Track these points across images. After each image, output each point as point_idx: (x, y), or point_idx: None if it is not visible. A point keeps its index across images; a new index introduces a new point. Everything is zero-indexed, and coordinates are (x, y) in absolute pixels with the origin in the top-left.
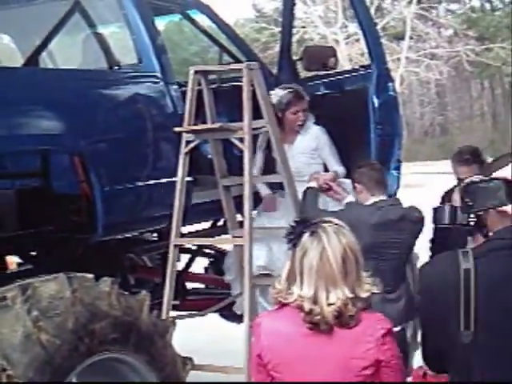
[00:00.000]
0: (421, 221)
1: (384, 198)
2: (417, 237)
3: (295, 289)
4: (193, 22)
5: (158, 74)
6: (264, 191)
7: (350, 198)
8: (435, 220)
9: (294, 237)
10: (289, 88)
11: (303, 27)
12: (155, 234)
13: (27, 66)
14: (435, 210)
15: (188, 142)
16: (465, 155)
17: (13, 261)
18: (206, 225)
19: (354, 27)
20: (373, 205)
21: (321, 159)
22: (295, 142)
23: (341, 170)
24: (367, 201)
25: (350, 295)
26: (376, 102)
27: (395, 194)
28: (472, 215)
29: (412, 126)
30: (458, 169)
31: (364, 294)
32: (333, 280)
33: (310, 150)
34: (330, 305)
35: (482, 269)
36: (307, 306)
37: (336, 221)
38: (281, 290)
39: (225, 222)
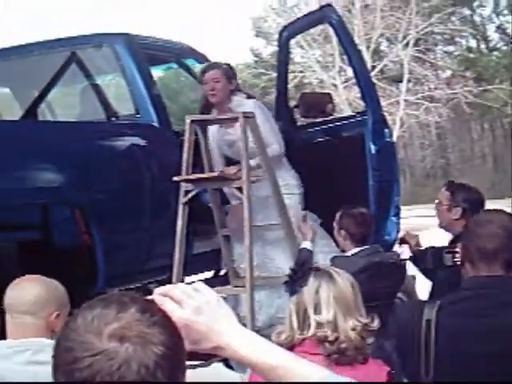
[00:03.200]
0: (404, 266)
1: (367, 246)
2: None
3: (312, 321)
4: (189, 70)
5: (156, 124)
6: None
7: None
8: (418, 264)
9: (299, 279)
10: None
11: (301, 72)
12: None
13: (26, 118)
14: (417, 253)
15: (187, 192)
16: None
17: None
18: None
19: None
20: (356, 254)
21: None
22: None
23: (276, 148)
24: (350, 250)
25: (365, 321)
26: (373, 148)
27: (395, 241)
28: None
29: (413, 169)
30: None
31: (373, 325)
32: (348, 309)
33: None
34: (353, 330)
35: (443, 320)
36: (330, 334)
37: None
38: (291, 333)
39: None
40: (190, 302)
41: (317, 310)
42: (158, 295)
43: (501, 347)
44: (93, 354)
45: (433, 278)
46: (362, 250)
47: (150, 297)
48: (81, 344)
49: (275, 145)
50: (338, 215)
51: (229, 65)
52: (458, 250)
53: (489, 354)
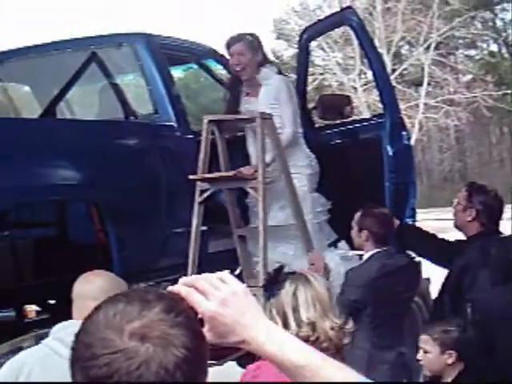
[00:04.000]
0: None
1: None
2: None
3: (291, 322)
4: (209, 71)
5: (174, 124)
6: None
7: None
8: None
9: (276, 282)
10: None
11: (321, 74)
12: None
13: (44, 117)
14: None
15: (202, 191)
16: None
17: (32, 309)
18: None
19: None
20: (371, 257)
21: None
22: (260, 94)
23: (288, 133)
24: (368, 251)
25: (341, 322)
26: (390, 150)
27: None
28: None
29: (431, 172)
30: None
31: (348, 326)
32: (325, 310)
33: (273, 100)
34: (331, 329)
35: None
36: (311, 334)
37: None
38: None
39: (241, 271)
40: (216, 293)
41: (296, 312)
42: (184, 286)
43: None
44: (112, 351)
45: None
46: (377, 253)
47: (175, 287)
48: (100, 340)
49: (288, 129)
50: (358, 215)
51: (253, 35)
52: None
53: None
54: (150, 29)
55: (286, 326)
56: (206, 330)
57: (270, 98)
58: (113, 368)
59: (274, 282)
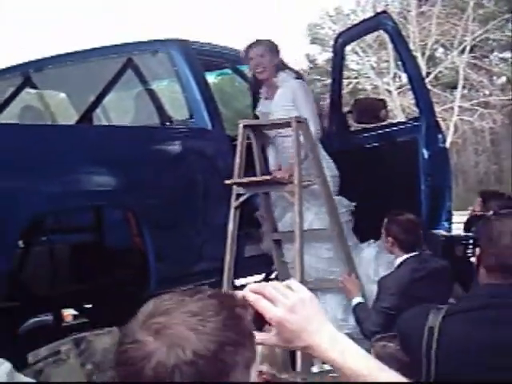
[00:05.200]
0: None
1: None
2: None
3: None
4: (243, 76)
5: (209, 129)
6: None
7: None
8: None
9: None
10: None
11: (356, 78)
12: None
13: (81, 123)
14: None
15: (238, 196)
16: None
17: (69, 313)
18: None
19: (406, 77)
20: (404, 262)
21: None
22: (275, 96)
23: (313, 131)
24: (398, 256)
25: None
26: (425, 153)
27: None
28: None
29: (466, 175)
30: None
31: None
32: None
33: (288, 102)
34: None
35: (446, 329)
36: None
37: None
38: None
39: (276, 275)
40: (284, 300)
41: None
42: (251, 293)
43: (506, 362)
44: (129, 341)
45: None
46: (411, 257)
47: (242, 292)
48: (127, 329)
49: (312, 127)
50: (385, 221)
51: (271, 41)
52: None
53: (491, 367)
54: (150, 31)
55: None
56: (272, 334)
57: (286, 99)
58: (126, 356)
59: None
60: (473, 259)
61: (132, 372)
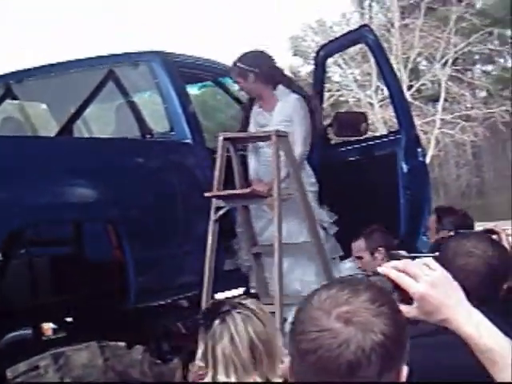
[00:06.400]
0: None
1: None
2: None
3: (210, 374)
4: (225, 89)
5: (190, 142)
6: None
7: None
8: None
9: (206, 322)
10: None
11: (338, 90)
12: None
13: (61, 134)
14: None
15: (218, 209)
16: None
17: (49, 327)
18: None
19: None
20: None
21: None
22: (275, 108)
23: (299, 152)
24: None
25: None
26: (405, 167)
27: None
28: None
29: (448, 188)
30: None
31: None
32: (244, 368)
33: (287, 117)
34: None
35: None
36: None
37: (250, 305)
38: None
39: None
40: (425, 277)
41: (214, 369)
42: (395, 270)
43: None
44: (319, 329)
45: None
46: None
47: (386, 269)
48: (311, 319)
49: (299, 148)
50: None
51: (246, 54)
52: None
53: None
54: (150, 30)
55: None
56: (413, 307)
57: (285, 114)
58: (317, 343)
59: (204, 322)
60: None
61: (326, 357)
